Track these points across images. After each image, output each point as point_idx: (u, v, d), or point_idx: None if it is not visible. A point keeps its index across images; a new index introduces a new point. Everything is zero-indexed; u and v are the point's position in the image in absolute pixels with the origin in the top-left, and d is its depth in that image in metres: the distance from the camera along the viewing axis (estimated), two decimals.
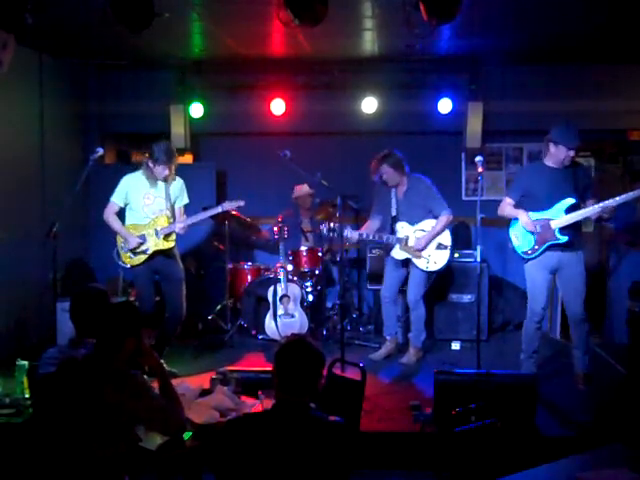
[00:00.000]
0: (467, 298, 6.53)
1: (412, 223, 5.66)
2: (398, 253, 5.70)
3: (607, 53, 6.53)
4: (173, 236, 5.36)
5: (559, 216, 4.82)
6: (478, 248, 4.96)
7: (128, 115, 7.23)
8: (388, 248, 5.85)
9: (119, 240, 5.33)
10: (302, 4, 4.13)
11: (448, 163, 7.37)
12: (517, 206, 5.02)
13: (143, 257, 5.28)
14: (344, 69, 6.94)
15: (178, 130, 7.12)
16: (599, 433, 4.09)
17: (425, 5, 4.05)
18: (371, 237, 5.71)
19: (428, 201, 5.62)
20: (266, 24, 5.36)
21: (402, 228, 5.68)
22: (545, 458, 2.79)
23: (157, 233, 5.25)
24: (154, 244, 5.26)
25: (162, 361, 5.41)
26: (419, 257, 5.63)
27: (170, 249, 5.35)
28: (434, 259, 5.63)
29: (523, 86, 7.02)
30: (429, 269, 5.66)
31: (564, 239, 4.80)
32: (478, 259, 5.03)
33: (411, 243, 5.64)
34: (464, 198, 7.45)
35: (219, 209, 5.48)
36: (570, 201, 4.79)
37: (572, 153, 4.78)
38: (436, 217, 5.63)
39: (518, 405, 4.06)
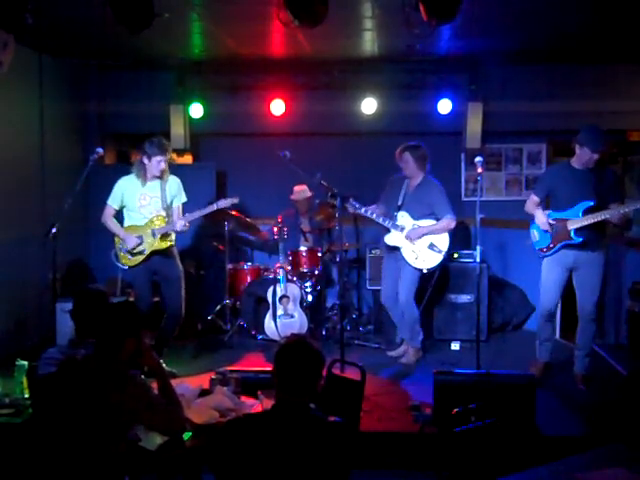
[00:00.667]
0: (467, 298, 6.53)
1: (413, 217, 5.67)
2: (391, 239, 5.72)
3: (607, 53, 6.53)
4: (171, 236, 5.36)
5: (576, 217, 4.85)
6: (478, 248, 4.99)
7: (128, 115, 7.23)
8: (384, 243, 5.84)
9: (117, 241, 5.33)
10: (302, 4, 4.12)
11: (448, 163, 7.35)
12: (541, 204, 5.12)
13: (141, 257, 5.27)
14: (344, 69, 6.94)
15: (178, 130, 7.12)
16: (599, 433, 4.10)
17: (425, 5, 4.04)
18: (369, 214, 5.71)
19: (435, 202, 5.63)
20: (266, 24, 5.36)
21: (402, 217, 5.69)
22: (545, 458, 2.79)
23: (154, 233, 5.25)
24: (151, 244, 5.25)
25: (161, 361, 5.45)
26: (409, 250, 5.62)
27: (168, 249, 5.34)
28: (423, 257, 5.62)
29: (523, 86, 7.02)
30: (416, 265, 5.63)
31: (578, 240, 4.84)
32: (478, 259, 5.06)
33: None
34: (464, 198, 7.45)
35: (214, 207, 5.47)
36: (588, 203, 4.83)
37: (596, 156, 4.81)
38: (439, 220, 5.65)
39: (518, 405, 4.06)
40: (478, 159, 4.97)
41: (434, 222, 5.64)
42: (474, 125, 6.94)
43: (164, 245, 5.29)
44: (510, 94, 6.98)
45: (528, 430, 4.03)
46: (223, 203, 5.51)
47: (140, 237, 5.24)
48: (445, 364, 5.60)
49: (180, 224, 5.24)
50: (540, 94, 6.96)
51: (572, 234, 4.84)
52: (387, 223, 5.70)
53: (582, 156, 4.85)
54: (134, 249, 5.23)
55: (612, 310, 6.28)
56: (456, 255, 6.68)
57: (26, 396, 3.79)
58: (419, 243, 5.62)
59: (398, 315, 5.85)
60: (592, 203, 4.81)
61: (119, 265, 5.38)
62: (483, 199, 5.17)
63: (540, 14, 5.21)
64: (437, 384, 4.21)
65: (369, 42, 6.20)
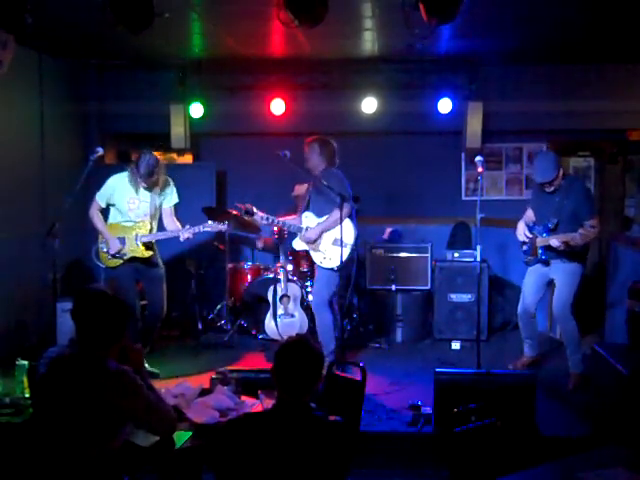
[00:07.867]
0: (467, 298, 6.53)
1: (318, 215, 5.40)
2: (297, 243, 5.53)
3: (606, 53, 6.53)
4: (153, 247, 5.31)
5: (542, 236, 5.08)
6: (478, 248, 5.00)
7: (128, 115, 7.23)
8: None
9: (100, 238, 5.28)
10: (302, 5, 4.12)
11: (448, 163, 7.37)
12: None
13: (120, 261, 5.22)
14: (344, 69, 6.94)
15: (178, 130, 7.12)
16: (599, 433, 4.10)
17: (425, 5, 4.04)
18: (275, 221, 5.46)
19: (330, 192, 5.17)
20: (266, 24, 5.35)
21: (306, 218, 5.46)
22: (545, 458, 2.79)
23: (137, 239, 5.19)
24: (132, 250, 5.19)
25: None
26: (315, 250, 5.37)
27: (148, 258, 5.27)
28: (329, 255, 5.29)
29: (523, 86, 7.02)
30: (323, 265, 5.33)
31: (544, 257, 5.15)
32: (478, 259, 5.08)
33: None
34: (464, 198, 7.46)
35: (200, 228, 5.28)
36: (551, 222, 5.01)
37: (546, 183, 5.01)
38: None
39: (518, 405, 4.06)
40: (478, 158, 4.98)
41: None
42: (474, 125, 6.94)
43: (146, 254, 5.22)
44: (510, 94, 6.98)
45: (528, 430, 4.03)
46: (209, 227, 5.32)
47: (123, 239, 5.18)
48: (446, 363, 5.60)
49: (184, 237, 5.19)
50: (540, 94, 6.97)
51: (539, 251, 5.11)
52: (292, 228, 5.49)
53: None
54: (116, 254, 5.19)
55: (612, 310, 6.28)
56: (456, 254, 6.69)
57: (26, 396, 3.79)
58: (323, 242, 5.34)
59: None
60: (554, 222, 4.98)
61: (98, 264, 5.31)
62: (483, 198, 5.19)
63: (540, 14, 5.21)
64: (437, 384, 4.21)
65: (369, 42, 6.20)
